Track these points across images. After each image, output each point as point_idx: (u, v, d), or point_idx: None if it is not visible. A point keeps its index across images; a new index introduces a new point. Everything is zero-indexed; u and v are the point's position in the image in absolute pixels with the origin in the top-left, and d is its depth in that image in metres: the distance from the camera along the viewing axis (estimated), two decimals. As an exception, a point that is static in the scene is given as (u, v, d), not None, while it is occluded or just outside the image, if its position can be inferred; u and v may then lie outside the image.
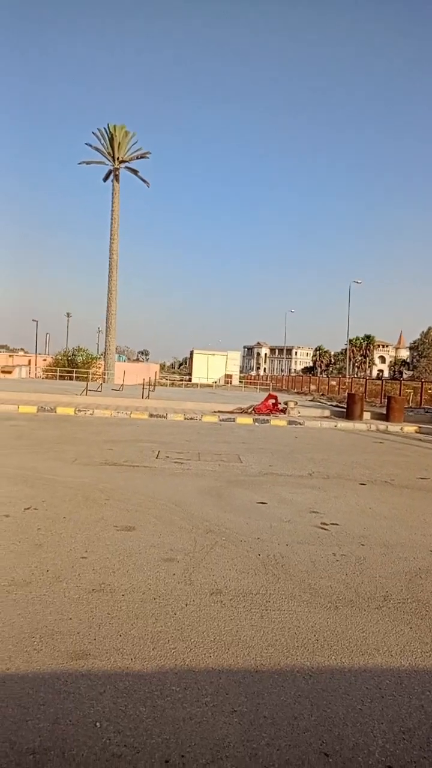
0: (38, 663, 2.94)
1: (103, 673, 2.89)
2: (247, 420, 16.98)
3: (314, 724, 2.59)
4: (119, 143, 40.38)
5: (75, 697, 2.67)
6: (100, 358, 45.85)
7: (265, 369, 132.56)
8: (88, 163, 41.27)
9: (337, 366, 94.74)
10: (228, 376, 60.09)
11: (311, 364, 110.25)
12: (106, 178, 41.61)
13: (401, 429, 17.02)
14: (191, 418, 16.57)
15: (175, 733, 2.46)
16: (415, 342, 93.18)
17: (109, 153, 40.57)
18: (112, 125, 40.48)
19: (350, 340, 71.10)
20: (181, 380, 56.15)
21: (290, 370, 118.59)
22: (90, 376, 33.21)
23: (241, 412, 18.30)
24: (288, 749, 2.41)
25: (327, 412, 19.81)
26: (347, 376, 50.44)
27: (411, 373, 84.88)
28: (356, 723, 2.62)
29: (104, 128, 40.61)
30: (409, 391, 29.82)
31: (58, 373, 38.93)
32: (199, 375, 57.71)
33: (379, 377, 73.45)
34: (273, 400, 19.37)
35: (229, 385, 54.56)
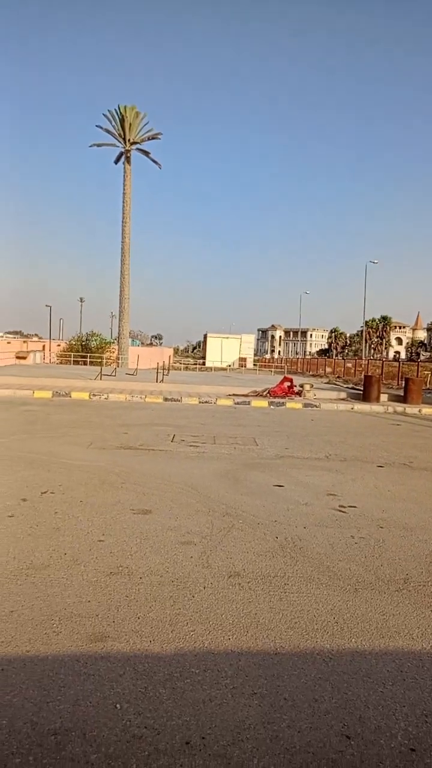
0: (58, 645, 2.95)
1: (123, 655, 2.89)
2: (262, 403, 16.92)
3: (335, 706, 2.57)
4: (130, 124, 39.94)
5: (95, 679, 2.68)
6: (113, 342, 45.92)
7: (279, 352, 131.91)
8: (99, 145, 40.91)
9: (353, 348, 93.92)
10: (242, 360, 59.87)
11: (326, 347, 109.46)
12: (117, 161, 41.28)
13: (419, 411, 16.83)
14: (206, 402, 16.55)
15: (195, 714, 2.45)
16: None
17: (120, 135, 40.16)
18: (122, 106, 40.01)
19: (366, 322, 70.30)
20: (195, 364, 56.13)
21: (305, 352, 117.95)
22: (104, 360, 33.30)
23: (256, 395, 18.23)
24: (309, 731, 2.39)
25: (343, 395, 19.65)
26: (363, 358, 49.98)
27: (428, 354, 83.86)
28: (378, 706, 2.60)
29: (115, 109, 40.17)
30: (426, 372, 29.47)
31: (72, 358, 39.07)
32: (213, 359, 57.60)
33: (396, 359, 72.75)
34: (288, 383, 19.25)
35: (243, 368, 54.42)
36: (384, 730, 2.43)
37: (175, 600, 3.54)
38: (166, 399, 16.45)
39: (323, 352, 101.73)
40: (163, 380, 21.65)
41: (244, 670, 2.81)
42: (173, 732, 2.34)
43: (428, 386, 25.14)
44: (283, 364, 54.61)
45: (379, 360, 42.94)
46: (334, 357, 74.38)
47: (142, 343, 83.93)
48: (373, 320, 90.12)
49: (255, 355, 75.62)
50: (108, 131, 40.19)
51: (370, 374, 22.94)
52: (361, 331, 75.20)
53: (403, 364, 35.07)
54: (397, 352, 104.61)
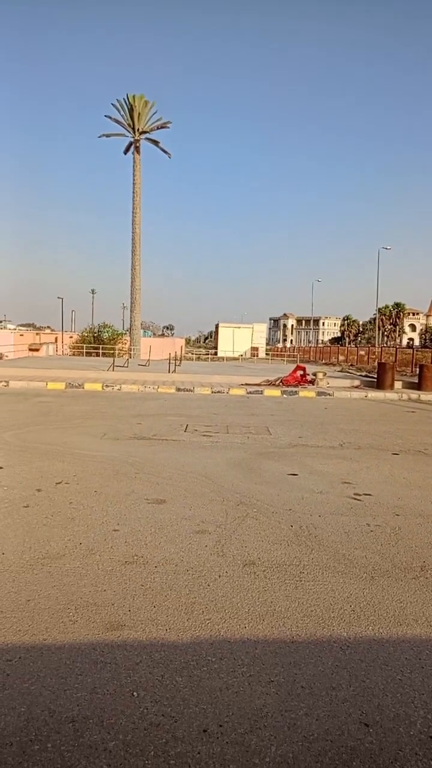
0: (74, 634, 2.96)
1: (139, 643, 2.90)
2: (275, 392, 16.85)
3: (353, 694, 2.55)
4: (139, 114, 39.71)
5: (112, 667, 2.68)
6: (125, 333, 46.02)
7: (291, 341, 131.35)
8: (108, 135, 40.76)
9: (366, 336, 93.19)
10: (254, 349, 59.73)
11: (339, 335, 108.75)
12: (126, 151, 41.11)
13: (433, 398, 16.65)
14: (218, 392, 16.53)
15: (212, 702, 2.45)
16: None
17: (129, 124, 39.98)
18: (131, 95, 39.77)
19: (379, 309, 69.68)
20: (207, 354, 56.09)
21: (317, 341, 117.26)
22: (116, 352, 33.39)
23: (269, 385, 18.16)
24: (327, 719, 2.38)
25: (357, 383, 19.52)
26: (377, 346, 49.59)
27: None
28: (396, 693, 2.57)
29: (123, 99, 39.96)
30: (440, 359, 29.11)
31: (84, 350, 39.25)
32: (224, 348, 57.54)
33: (410, 346, 72.02)
34: (301, 372, 19.15)
35: (255, 357, 54.29)
36: (403, 718, 2.41)
37: (190, 589, 3.54)
38: (178, 389, 16.46)
39: (336, 341, 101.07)
40: (175, 371, 21.65)
41: (261, 658, 2.80)
42: (190, 720, 2.34)
43: (443, 373, 24.83)
44: (295, 353, 54.39)
45: (393, 347, 42.51)
46: (347, 345, 73.85)
47: (154, 334, 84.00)
48: (387, 307, 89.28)
49: (267, 344, 75.39)
50: (117, 121, 40.04)
51: (383, 362, 22.73)
52: (374, 319, 74.54)
53: (417, 351, 34.70)
54: (411, 339, 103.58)
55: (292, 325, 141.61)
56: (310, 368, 22.10)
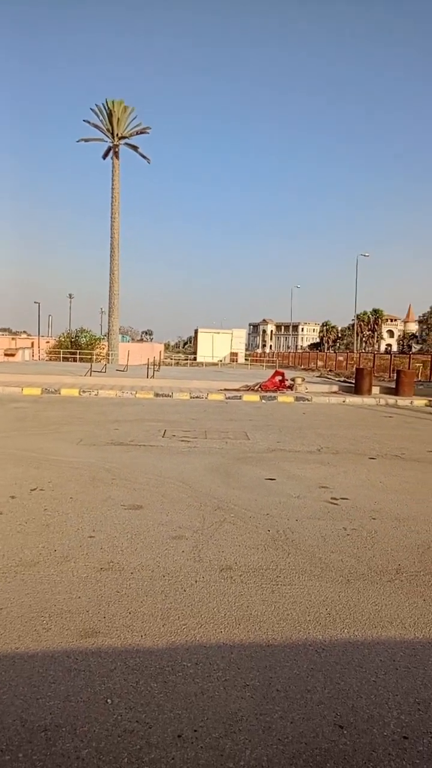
0: (48, 642, 2.92)
1: (114, 650, 2.87)
2: (253, 397, 16.91)
3: (328, 696, 2.56)
4: (118, 119, 39.67)
5: (85, 674, 2.65)
6: (103, 338, 45.73)
7: (271, 346, 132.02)
8: (87, 140, 40.64)
9: (345, 341, 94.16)
10: (233, 354, 59.88)
11: (318, 340, 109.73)
12: (105, 156, 41.00)
13: (411, 403, 16.91)
14: (197, 397, 16.52)
15: (187, 708, 2.43)
16: (424, 315, 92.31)
17: (108, 129, 39.91)
18: (110, 101, 39.74)
19: (358, 315, 70.46)
20: (186, 359, 56.03)
21: (297, 346, 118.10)
22: (94, 357, 33.15)
23: (248, 390, 18.22)
24: (302, 722, 2.38)
25: (335, 388, 19.69)
26: (355, 351, 50.15)
27: (420, 346, 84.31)
28: (371, 695, 2.59)
29: (102, 104, 39.90)
30: (418, 364, 29.62)
31: (61, 355, 38.88)
32: (204, 354, 57.55)
33: (388, 351, 72.99)
34: (280, 377, 19.26)
35: (234, 363, 54.42)
36: (377, 719, 2.43)
37: (166, 594, 3.52)
38: (156, 395, 16.41)
39: (315, 346, 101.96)
40: (153, 376, 21.59)
41: (237, 663, 2.80)
42: (165, 725, 2.32)
43: (419, 378, 25.26)
44: (274, 359, 54.67)
45: (371, 353, 43.08)
46: (325, 350, 74.61)
47: (133, 339, 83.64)
48: (365, 313, 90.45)
49: (246, 349, 75.64)
50: (96, 126, 39.94)
51: (361, 367, 22.99)
52: (353, 325, 75.40)
53: (394, 356, 35.22)
54: (389, 345, 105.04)
55: (272, 331, 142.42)
56: (289, 374, 22.23)
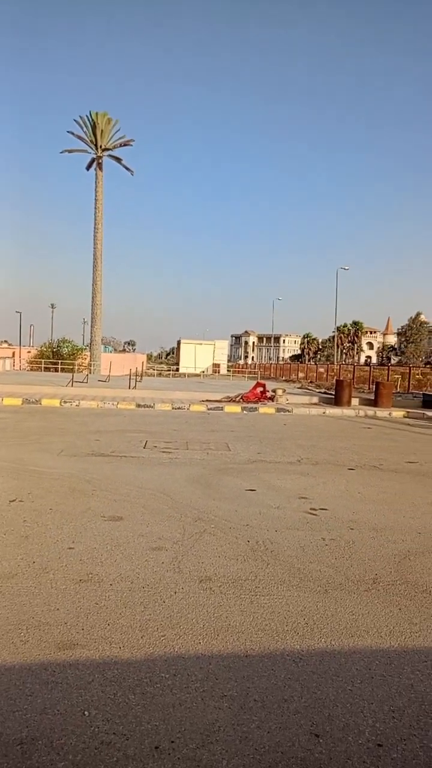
0: (25, 654, 2.90)
1: (92, 662, 2.86)
2: (235, 408, 16.97)
3: (304, 706, 2.59)
4: (102, 131, 39.86)
5: (63, 687, 2.64)
6: (85, 349, 45.51)
7: (253, 357, 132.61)
8: (70, 151, 40.75)
9: (325, 353, 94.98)
10: (216, 365, 60.01)
11: (299, 352, 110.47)
12: (89, 167, 41.10)
13: (389, 414, 17.12)
14: (179, 408, 16.53)
15: (164, 719, 2.44)
16: (402, 328, 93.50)
17: (91, 141, 40.04)
18: (94, 113, 39.94)
19: (338, 327, 71.27)
20: (169, 370, 55.99)
21: (278, 358, 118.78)
22: (76, 367, 32.96)
23: (229, 401, 18.28)
24: (278, 731, 2.40)
25: (315, 399, 19.86)
26: (335, 363, 50.66)
27: (399, 358, 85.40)
28: (346, 704, 2.63)
29: (86, 116, 40.07)
30: (397, 376, 30.04)
31: (43, 365, 38.55)
32: (186, 364, 57.61)
33: (368, 363, 73.88)
34: (261, 388, 19.37)
35: (216, 374, 54.54)
36: (352, 728, 2.46)
37: (145, 606, 3.53)
38: (138, 405, 16.37)
39: (296, 358, 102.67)
40: (135, 386, 21.54)
41: (214, 673, 2.81)
42: (142, 737, 2.32)
43: (398, 390, 25.60)
44: (256, 370, 54.94)
45: (351, 365, 43.54)
46: (306, 362, 75.15)
47: (115, 350, 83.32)
48: (345, 325, 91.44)
49: (229, 360, 75.92)
50: (80, 137, 40.08)
51: (341, 379, 23.25)
52: (333, 337, 76.16)
53: (374, 368, 35.64)
54: (369, 357, 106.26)
55: (254, 343, 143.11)
56: (270, 385, 22.37)
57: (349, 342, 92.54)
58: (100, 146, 39.92)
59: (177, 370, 55.38)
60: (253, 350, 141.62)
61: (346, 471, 8.23)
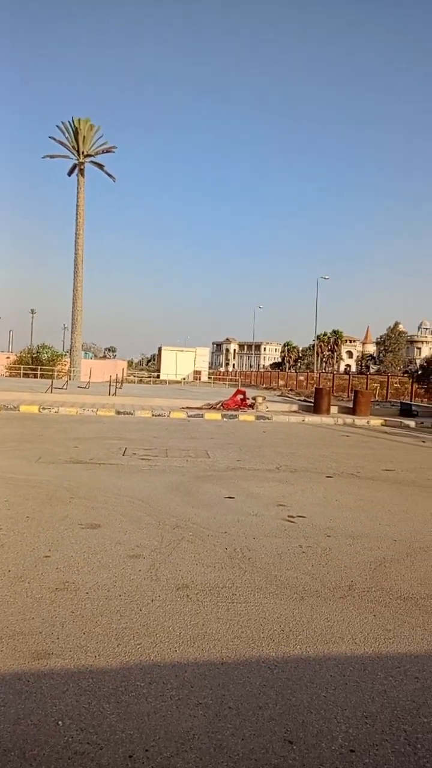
0: (-1, 664, 2.87)
1: (66, 671, 2.84)
2: (215, 416, 17.00)
3: (279, 713, 2.61)
4: (84, 137, 39.75)
5: (37, 696, 2.62)
6: (65, 355, 45.10)
7: (234, 365, 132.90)
8: (52, 157, 40.51)
9: (306, 361, 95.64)
10: (197, 372, 60.04)
11: (280, 360, 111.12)
12: (70, 173, 40.90)
13: (368, 422, 17.31)
14: (159, 415, 16.49)
15: (139, 728, 2.44)
16: (381, 337, 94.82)
17: (73, 147, 39.89)
18: (76, 119, 39.81)
19: (318, 336, 71.91)
20: (150, 377, 55.82)
21: (259, 365, 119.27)
22: (55, 373, 32.67)
23: (210, 408, 18.30)
24: (252, 738, 2.41)
25: (295, 407, 19.99)
26: (315, 371, 51.07)
27: (377, 367, 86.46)
28: (320, 710, 2.65)
29: (69, 122, 39.92)
30: (375, 385, 30.40)
31: (22, 371, 38.10)
32: (167, 371, 57.50)
33: (347, 372, 74.58)
34: (241, 396, 19.44)
35: (197, 381, 54.55)
36: (325, 734, 2.48)
37: (122, 614, 3.51)
38: (118, 412, 16.30)
39: (276, 366, 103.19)
40: (116, 393, 21.43)
41: (190, 681, 2.81)
42: (116, 746, 2.32)
43: (376, 398, 25.89)
44: (237, 377, 55.10)
45: (330, 373, 43.95)
46: (286, 370, 75.63)
47: (95, 356, 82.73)
48: (325, 334, 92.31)
49: (210, 368, 75.99)
50: (61, 143, 39.87)
51: (320, 387, 23.45)
52: (314, 345, 76.77)
53: (353, 377, 36.06)
54: (348, 365, 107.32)
55: (235, 350, 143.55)
56: (250, 392, 22.46)
57: (329, 350, 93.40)
58: (83, 152, 39.80)
59: (158, 376, 55.26)
60: (234, 357, 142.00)
61: (324, 479, 8.30)
